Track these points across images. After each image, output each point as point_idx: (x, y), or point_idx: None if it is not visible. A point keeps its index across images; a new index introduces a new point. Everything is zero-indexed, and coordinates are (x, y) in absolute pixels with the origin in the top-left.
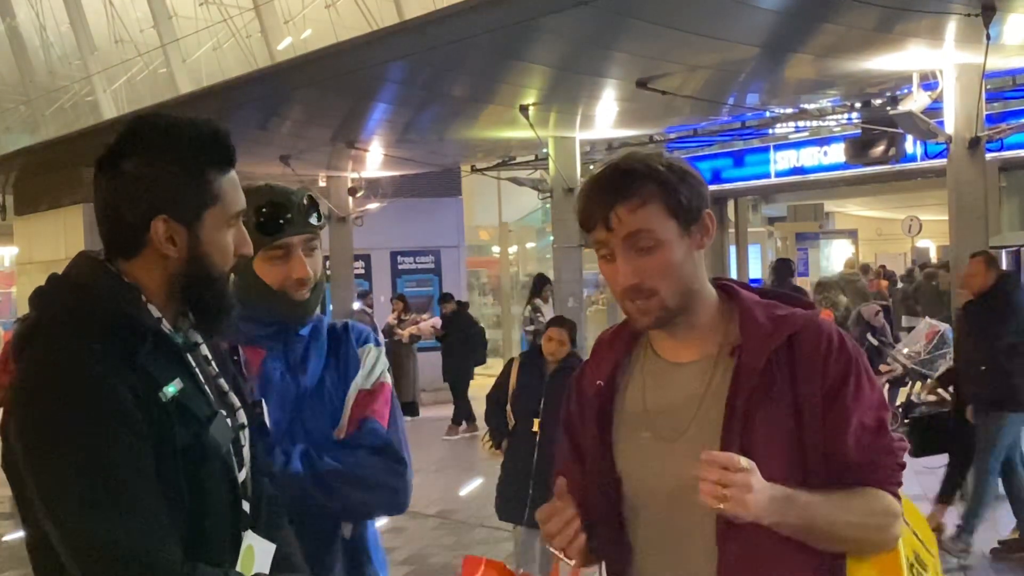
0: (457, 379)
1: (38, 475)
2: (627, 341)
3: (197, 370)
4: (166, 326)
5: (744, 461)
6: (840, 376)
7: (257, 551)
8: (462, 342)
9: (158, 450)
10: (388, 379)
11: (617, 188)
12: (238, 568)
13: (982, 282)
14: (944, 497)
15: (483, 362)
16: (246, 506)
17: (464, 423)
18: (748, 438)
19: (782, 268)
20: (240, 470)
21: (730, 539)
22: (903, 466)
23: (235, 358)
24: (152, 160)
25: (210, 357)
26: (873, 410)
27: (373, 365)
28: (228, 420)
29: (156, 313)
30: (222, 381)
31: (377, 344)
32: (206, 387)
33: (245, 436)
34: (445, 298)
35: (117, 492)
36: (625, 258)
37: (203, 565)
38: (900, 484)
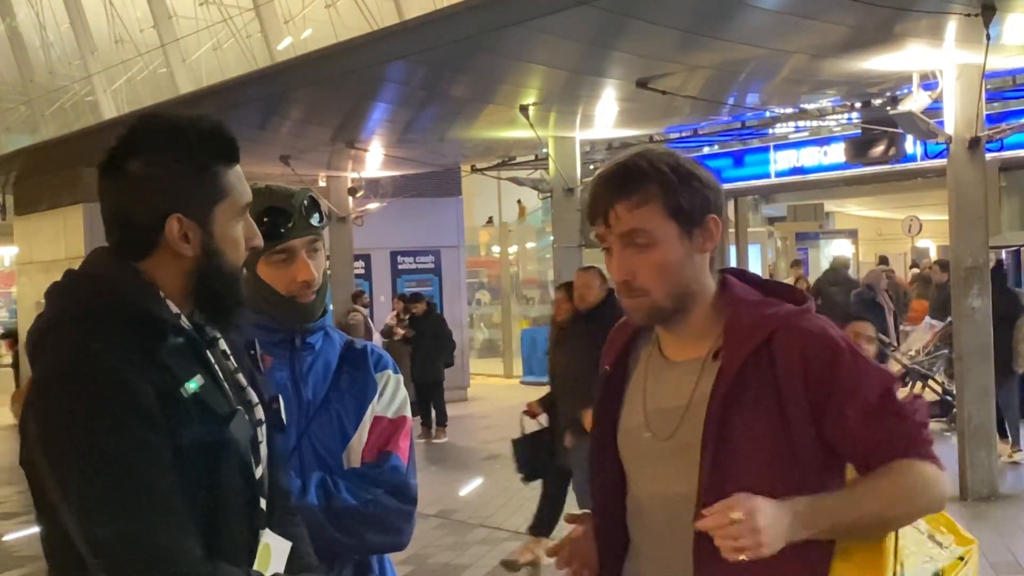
0: (427, 380)
1: (59, 473)
2: (633, 332)
3: (216, 367)
4: (185, 322)
5: (736, 514)
6: (826, 366)
7: (274, 549)
8: (433, 343)
9: (178, 447)
10: (408, 412)
11: (619, 186)
12: (255, 567)
13: (595, 296)
14: (537, 530)
15: (452, 363)
16: (263, 503)
17: (431, 427)
18: (725, 443)
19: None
20: (257, 467)
21: (705, 541)
22: (924, 424)
23: (251, 352)
24: (160, 159)
25: (228, 352)
26: (872, 385)
27: (394, 393)
28: (247, 416)
29: (175, 309)
30: (240, 376)
31: (396, 371)
32: (225, 383)
33: (262, 433)
34: (415, 298)
35: (139, 489)
36: (620, 254)
37: (224, 564)
38: (929, 441)
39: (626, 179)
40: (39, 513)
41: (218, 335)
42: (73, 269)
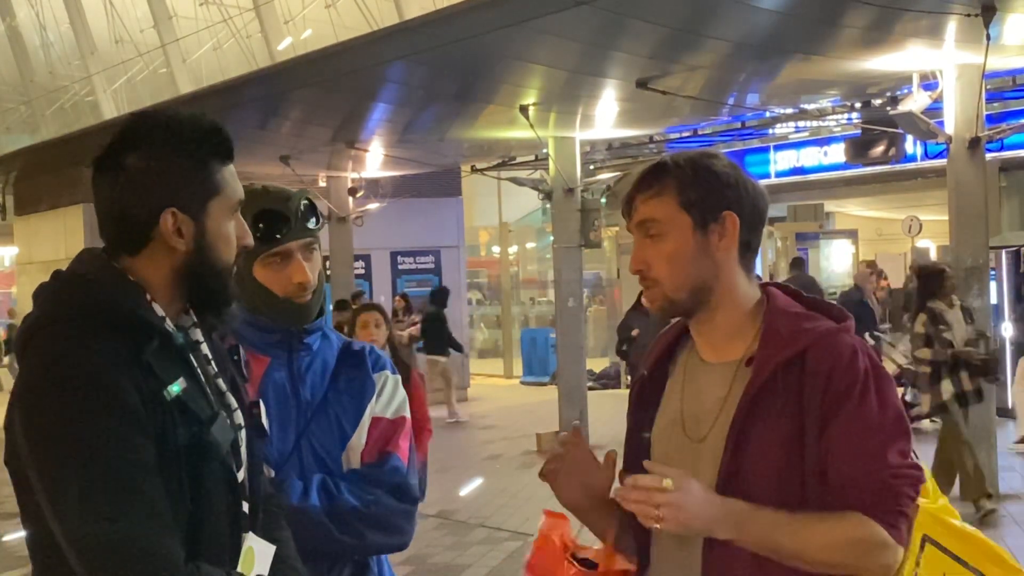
0: None
1: (42, 472)
2: (676, 335)
3: (199, 370)
4: (169, 325)
5: (668, 482)
6: (842, 393)
7: (257, 552)
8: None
9: (161, 449)
10: (408, 412)
11: (640, 181)
12: (239, 569)
13: None
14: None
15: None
16: (245, 507)
17: None
18: (744, 448)
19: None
20: (238, 471)
21: (715, 546)
22: (909, 496)
23: (235, 357)
24: (156, 154)
25: (210, 356)
26: (877, 432)
27: (392, 394)
28: (228, 420)
29: (160, 312)
30: (220, 381)
31: (394, 372)
32: (207, 387)
33: (242, 437)
34: (340, 306)
35: (122, 490)
36: (637, 245)
37: (206, 565)
38: (902, 514)
39: (647, 174)
40: (23, 513)
41: (200, 339)
42: (61, 270)
